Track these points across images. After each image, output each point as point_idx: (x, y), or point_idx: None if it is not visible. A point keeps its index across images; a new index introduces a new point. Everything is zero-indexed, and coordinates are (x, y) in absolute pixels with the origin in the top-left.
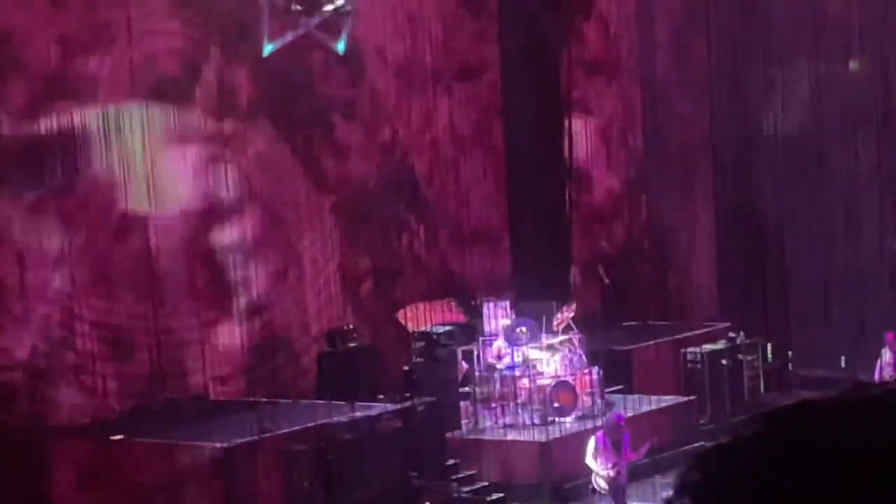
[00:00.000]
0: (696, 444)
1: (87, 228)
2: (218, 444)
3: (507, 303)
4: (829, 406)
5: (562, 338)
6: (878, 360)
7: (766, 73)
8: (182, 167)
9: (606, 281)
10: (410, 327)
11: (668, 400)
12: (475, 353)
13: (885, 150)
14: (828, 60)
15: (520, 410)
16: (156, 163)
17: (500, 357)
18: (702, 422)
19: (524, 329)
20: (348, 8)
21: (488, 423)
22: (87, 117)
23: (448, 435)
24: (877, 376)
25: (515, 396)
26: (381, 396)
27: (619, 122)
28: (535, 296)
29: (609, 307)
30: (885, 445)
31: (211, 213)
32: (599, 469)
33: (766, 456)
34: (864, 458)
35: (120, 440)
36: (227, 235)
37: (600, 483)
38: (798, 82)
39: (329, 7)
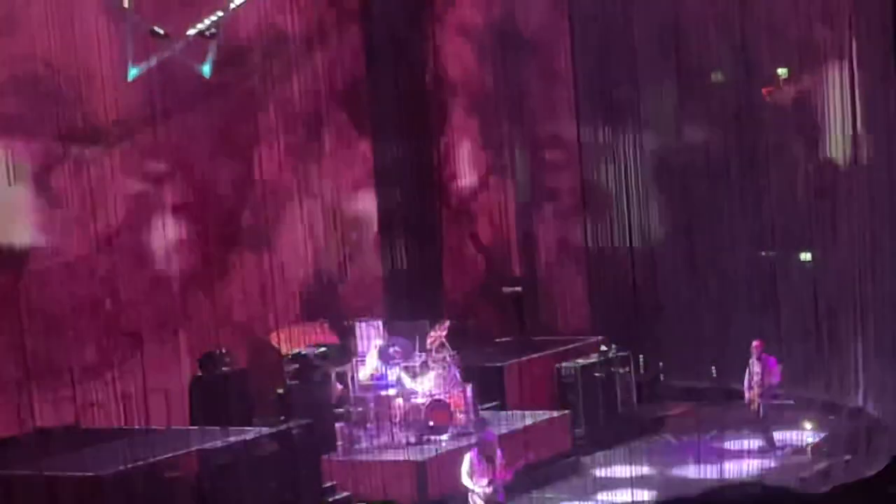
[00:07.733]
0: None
1: None
2: (91, 474)
3: (380, 322)
4: None
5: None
6: (747, 369)
7: (629, 88)
8: None
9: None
10: (283, 349)
11: (543, 415)
12: (349, 373)
13: (750, 159)
14: (690, 73)
15: (395, 430)
16: None
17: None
18: (577, 436)
19: (397, 348)
20: (214, 31)
21: (364, 444)
22: None
23: (324, 457)
24: (745, 385)
25: (390, 416)
26: (256, 420)
27: (486, 139)
28: (407, 315)
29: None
30: None
31: None
32: (475, 487)
33: None
34: None
35: None
36: None
37: (477, 501)
38: (661, 94)
39: (194, 30)
